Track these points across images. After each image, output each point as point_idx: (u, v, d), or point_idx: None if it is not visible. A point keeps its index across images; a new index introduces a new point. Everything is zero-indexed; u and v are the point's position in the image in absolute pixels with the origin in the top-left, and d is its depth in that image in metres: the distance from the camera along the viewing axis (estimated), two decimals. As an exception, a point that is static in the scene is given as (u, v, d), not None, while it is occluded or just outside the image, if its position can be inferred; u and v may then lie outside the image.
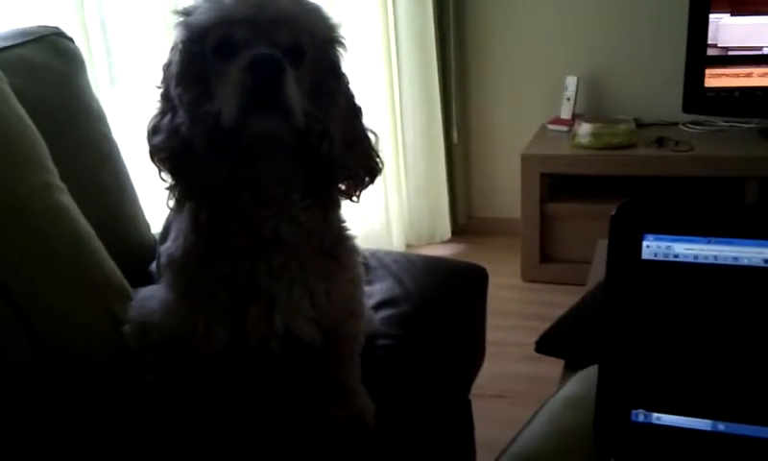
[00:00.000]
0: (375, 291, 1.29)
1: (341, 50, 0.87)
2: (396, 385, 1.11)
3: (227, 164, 0.81)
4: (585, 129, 2.49)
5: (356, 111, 0.90)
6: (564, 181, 2.57)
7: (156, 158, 0.83)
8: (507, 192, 2.89)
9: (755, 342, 0.50)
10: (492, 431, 1.27)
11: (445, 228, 3.03)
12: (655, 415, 0.53)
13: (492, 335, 1.54)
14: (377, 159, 0.91)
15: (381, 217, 2.81)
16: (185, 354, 0.89)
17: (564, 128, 2.67)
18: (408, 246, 2.98)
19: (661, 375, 0.52)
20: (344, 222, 0.95)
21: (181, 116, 0.80)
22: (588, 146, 2.48)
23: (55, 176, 0.93)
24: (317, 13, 0.84)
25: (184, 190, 0.85)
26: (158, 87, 0.84)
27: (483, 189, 3.13)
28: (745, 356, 0.50)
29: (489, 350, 1.49)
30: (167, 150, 0.81)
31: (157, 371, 0.92)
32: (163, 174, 0.84)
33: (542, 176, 2.52)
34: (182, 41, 0.81)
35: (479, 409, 1.51)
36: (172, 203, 0.87)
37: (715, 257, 0.50)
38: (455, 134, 2.97)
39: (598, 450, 0.53)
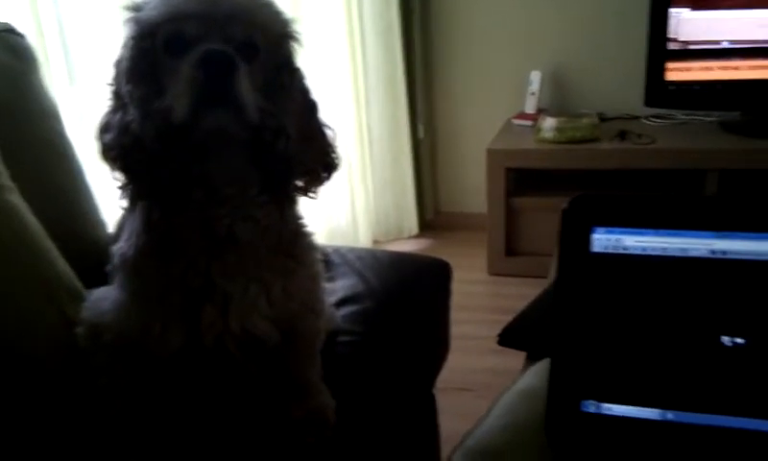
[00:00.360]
0: (338, 288, 1.28)
1: (295, 45, 0.85)
2: (357, 381, 1.10)
3: (178, 162, 0.80)
4: (549, 123, 2.51)
5: (312, 107, 0.89)
6: (529, 175, 2.59)
7: (106, 157, 0.81)
8: (473, 187, 2.90)
9: (702, 332, 0.51)
10: (458, 425, 1.27)
11: (413, 223, 3.04)
12: (605, 405, 0.53)
13: (458, 329, 1.54)
14: (334, 155, 0.91)
15: (347, 214, 2.80)
16: (139, 355, 0.88)
17: (529, 122, 2.69)
18: (375, 242, 2.98)
19: (612, 366, 0.52)
20: (300, 218, 0.94)
21: (132, 113, 0.78)
22: (553, 140, 2.50)
23: (3, 175, 0.91)
24: (270, 8, 0.82)
25: (136, 189, 0.83)
26: (110, 85, 0.82)
27: (450, 184, 3.14)
28: (692, 346, 0.51)
29: (455, 343, 1.49)
30: (117, 148, 0.80)
31: (111, 372, 0.91)
32: (115, 173, 0.82)
33: (507, 170, 2.53)
34: (132, 37, 0.79)
35: (445, 403, 1.51)
36: (124, 202, 0.85)
37: (664, 249, 0.51)
38: (421, 130, 2.98)
39: (550, 441, 0.53)
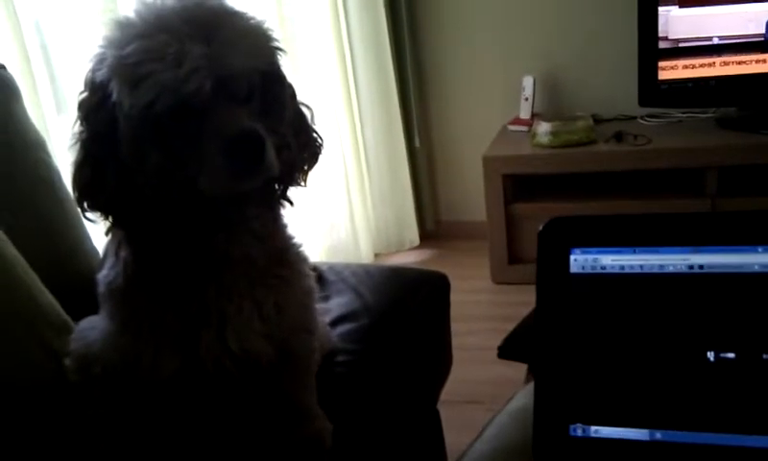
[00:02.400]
0: (333, 306, 1.28)
1: (280, 54, 0.84)
2: (356, 401, 1.09)
3: (190, 214, 0.80)
4: (544, 128, 2.50)
5: (301, 111, 0.89)
6: (527, 180, 2.58)
7: (98, 213, 0.81)
8: (473, 195, 2.88)
9: (686, 348, 0.49)
10: (466, 438, 1.27)
11: (414, 234, 3.03)
12: (593, 428, 0.52)
13: (463, 340, 1.53)
14: (317, 137, 0.90)
15: (347, 228, 2.79)
16: (130, 383, 0.87)
17: (525, 128, 2.68)
18: (377, 255, 2.97)
19: (597, 387, 0.51)
20: (287, 228, 0.94)
21: (141, 177, 0.76)
22: (548, 145, 2.49)
23: None
24: (259, 35, 0.80)
25: (129, 232, 0.83)
26: (80, 132, 0.79)
27: (449, 193, 3.12)
28: (676, 362, 0.49)
29: (461, 355, 1.48)
30: (115, 208, 0.79)
31: (102, 403, 0.90)
32: (93, 214, 0.81)
33: (505, 177, 2.52)
34: (132, 105, 0.73)
35: (452, 416, 1.50)
36: (106, 229, 0.85)
37: (641, 267, 0.50)
38: (417, 139, 2.97)
39: (538, 468, 0.52)
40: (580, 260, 0.51)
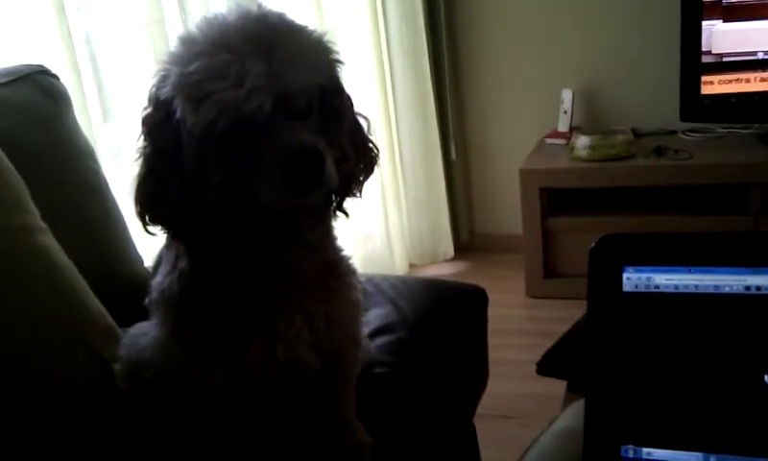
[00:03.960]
0: (371, 318, 1.28)
1: (340, 67, 0.84)
2: (394, 414, 1.09)
3: (250, 228, 0.81)
4: (582, 141, 2.48)
5: (359, 123, 0.89)
6: (564, 194, 2.56)
7: (159, 226, 0.82)
8: (508, 207, 2.87)
9: (743, 371, 0.49)
10: (501, 454, 1.26)
11: (448, 246, 3.02)
12: (645, 450, 0.51)
13: (498, 354, 1.52)
14: (373, 147, 0.90)
15: (382, 238, 2.80)
16: (179, 391, 0.88)
17: (563, 141, 2.66)
18: (411, 266, 2.97)
19: (650, 408, 0.51)
20: (337, 240, 0.94)
21: (204, 192, 0.77)
22: (587, 158, 2.46)
23: (35, 217, 0.93)
24: (320, 49, 0.80)
25: (187, 245, 0.84)
26: (143, 147, 0.81)
27: (484, 205, 3.11)
28: (733, 386, 0.49)
29: (495, 369, 1.47)
30: (177, 222, 0.81)
31: (150, 409, 0.91)
32: (153, 227, 0.83)
33: (542, 190, 2.50)
34: (195, 123, 0.74)
35: (487, 431, 1.49)
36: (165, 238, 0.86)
37: (696, 286, 0.49)
38: (453, 151, 2.96)
39: (588, 490, 0.51)
40: (633, 279, 0.50)
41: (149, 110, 0.80)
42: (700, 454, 0.50)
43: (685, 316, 0.49)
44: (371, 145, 0.90)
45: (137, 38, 1.76)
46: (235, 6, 0.78)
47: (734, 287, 0.49)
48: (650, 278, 0.50)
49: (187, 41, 0.77)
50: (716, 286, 0.49)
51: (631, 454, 0.51)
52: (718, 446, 0.49)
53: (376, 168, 0.91)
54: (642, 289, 0.50)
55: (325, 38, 0.81)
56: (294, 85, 0.75)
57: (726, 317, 0.49)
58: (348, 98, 0.87)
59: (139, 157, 0.81)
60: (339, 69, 0.84)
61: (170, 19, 1.85)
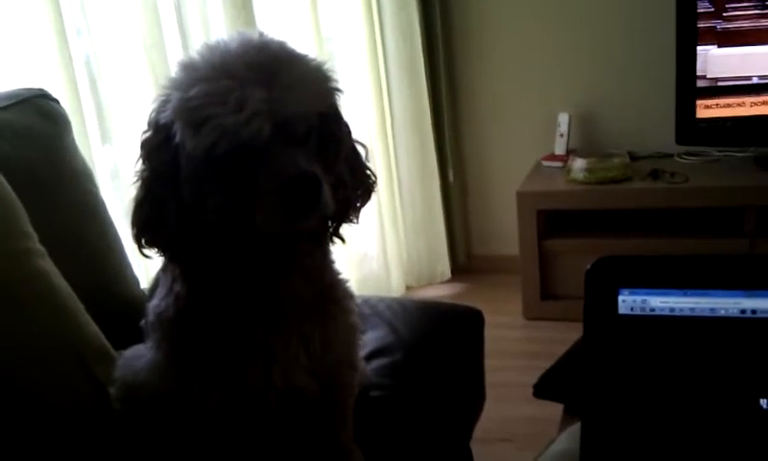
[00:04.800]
0: (368, 340, 1.28)
1: (339, 95, 0.85)
2: (390, 437, 1.09)
3: (246, 251, 0.81)
4: (579, 164, 2.49)
5: (356, 150, 0.90)
6: (560, 216, 2.57)
7: (155, 249, 0.82)
8: (505, 229, 2.87)
9: (738, 395, 0.49)
10: (497, 477, 1.25)
11: (445, 267, 3.01)
12: (641, 474, 0.51)
13: (495, 377, 1.52)
14: (371, 174, 0.91)
15: (379, 260, 2.80)
16: (175, 414, 0.88)
17: (559, 164, 2.67)
18: (408, 287, 2.97)
19: (646, 432, 0.51)
20: (335, 263, 0.95)
21: (202, 215, 0.78)
22: (584, 181, 2.47)
23: (33, 240, 0.93)
24: (319, 84, 0.81)
25: (183, 268, 0.84)
26: (142, 170, 0.81)
27: (481, 227, 3.12)
28: (729, 410, 0.49)
29: (492, 392, 1.47)
30: (174, 245, 0.81)
31: (146, 431, 0.91)
32: (149, 250, 0.83)
33: (539, 212, 2.51)
34: (194, 146, 0.75)
35: (484, 454, 1.48)
36: (161, 261, 0.86)
37: (692, 309, 0.49)
38: (451, 174, 2.97)
39: (584, 514, 0.51)
40: (628, 301, 0.50)
41: (148, 134, 0.80)
42: (696, 479, 0.49)
43: (681, 339, 0.50)
44: (368, 172, 0.90)
45: (137, 62, 1.77)
46: (236, 33, 0.79)
47: (730, 310, 0.49)
48: (645, 300, 0.50)
49: (188, 67, 0.77)
50: (712, 309, 0.49)
51: (627, 478, 0.51)
52: (716, 471, 0.49)
53: (373, 194, 0.92)
54: (638, 312, 0.50)
55: (325, 67, 0.82)
56: (293, 112, 0.76)
57: (722, 340, 0.49)
58: (346, 125, 0.88)
59: (137, 180, 0.81)
60: (338, 97, 0.84)
61: (170, 43, 1.86)
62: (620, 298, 0.51)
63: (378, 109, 2.71)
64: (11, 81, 1.46)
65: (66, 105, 1.33)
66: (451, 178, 2.98)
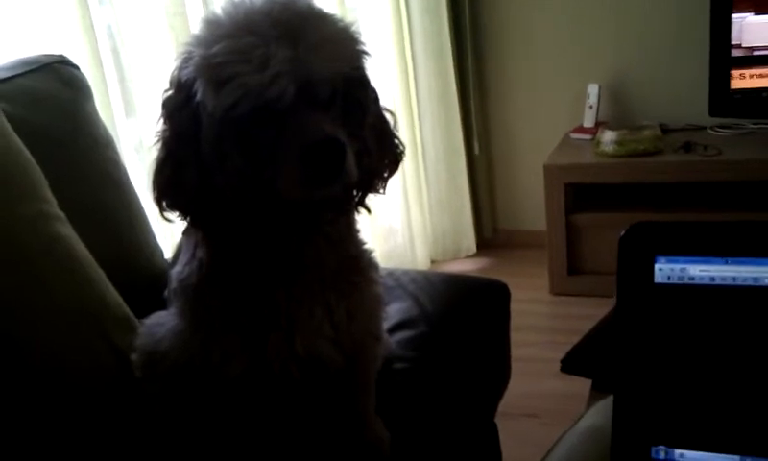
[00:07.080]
0: (392, 312, 1.26)
1: (366, 58, 0.82)
2: (414, 410, 1.08)
3: (267, 216, 0.79)
4: (608, 136, 2.44)
5: (384, 117, 0.87)
6: (589, 190, 2.53)
7: (176, 212, 0.80)
8: (532, 203, 2.84)
9: (781, 368, 0.46)
10: (524, 452, 1.24)
11: (471, 242, 2.99)
12: (677, 451, 0.48)
13: (521, 352, 1.50)
14: (398, 143, 0.89)
15: (404, 234, 2.78)
16: (197, 382, 0.87)
17: (588, 136, 2.62)
18: (433, 262, 2.95)
19: (682, 407, 0.48)
20: (360, 233, 0.93)
21: (221, 179, 0.76)
22: (613, 154, 2.43)
23: (52, 205, 0.92)
24: (346, 38, 0.78)
25: (205, 232, 0.83)
26: (163, 130, 0.79)
27: (507, 201, 3.08)
28: (771, 385, 0.46)
29: (518, 367, 1.45)
30: (195, 208, 0.79)
31: (167, 399, 0.91)
32: (170, 213, 0.81)
33: (566, 186, 2.48)
34: (215, 106, 0.73)
35: (509, 429, 1.47)
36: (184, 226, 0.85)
37: (734, 279, 0.46)
38: (476, 146, 2.93)
39: (616, 491, 0.49)
40: (665, 270, 0.48)
41: (170, 93, 0.78)
42: (736, 457, 0.47)
43: (722, 310, 0.47)
44: (396, 141, 0.88)
45: (160, 31, 1.75)
46: None
47: (775, 279, 0.46)
48: (684, 268, 0.48)
49: (212, 23, 0.75)
50: (755, 278, 0.46)
51: (662, 456, 0.49)
52: (755, 448, 0.47)
53: (400, 165, 0.89)
54: (675, 281, 0.48)
55: (353, 28, 0.79)
56: (318, 73, 0.73)
57: (765, 311, 0.46)
58: (374, 90, 0.85)
59: (158, 140, 0.79)
60: (365, 60, 0.81)
61: (192, 11, 1.84)
62: (657, 266, 0.48)
63: (403, 79, 2.67)
64: (32, 51, 1.45)
65: (89, 76, 1.33)
66: (477, 150, 2.95)
